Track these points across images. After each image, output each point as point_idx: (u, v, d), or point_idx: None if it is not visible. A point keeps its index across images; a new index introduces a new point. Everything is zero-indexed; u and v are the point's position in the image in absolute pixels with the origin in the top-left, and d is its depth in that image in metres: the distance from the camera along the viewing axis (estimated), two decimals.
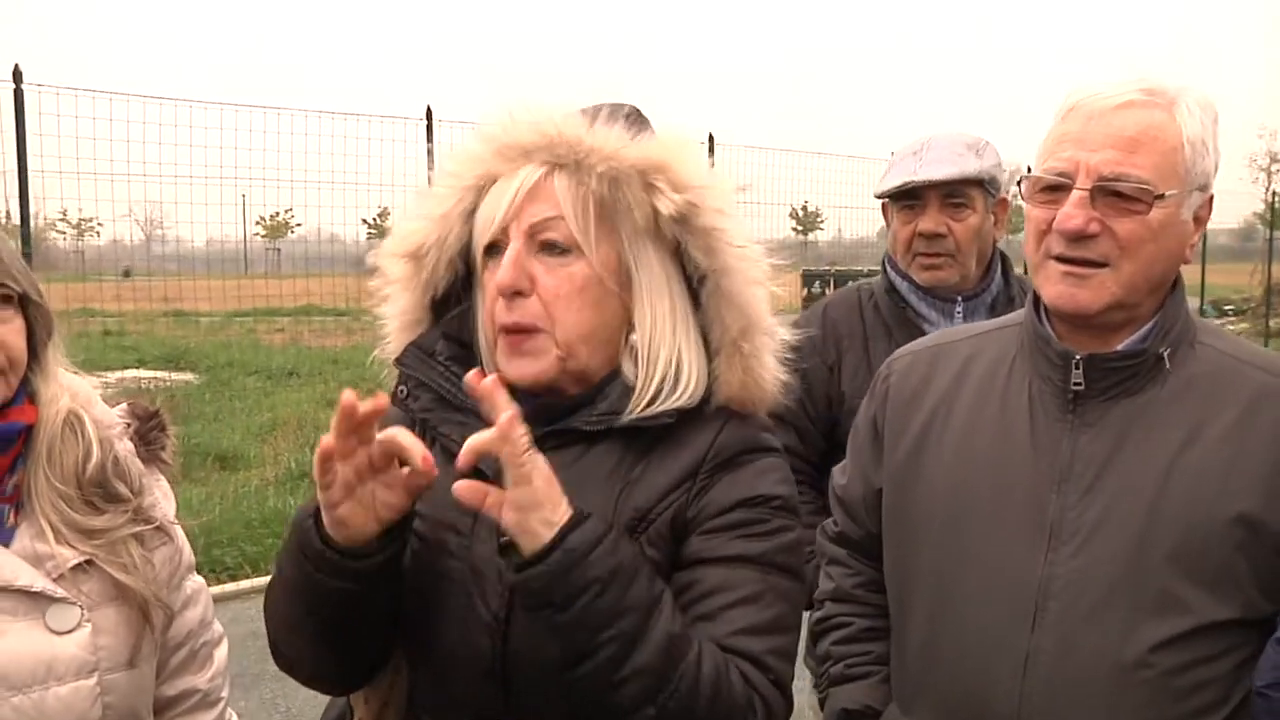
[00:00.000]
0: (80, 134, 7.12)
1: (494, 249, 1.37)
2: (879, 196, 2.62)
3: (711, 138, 11.04)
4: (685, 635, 1.24)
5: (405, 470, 1.23)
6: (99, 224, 11.07)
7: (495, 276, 1.35)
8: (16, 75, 6.72)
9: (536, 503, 1.19)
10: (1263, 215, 27.37)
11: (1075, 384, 1.54)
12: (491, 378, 1.19)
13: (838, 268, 13.23)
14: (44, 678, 1.45)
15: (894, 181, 2.51)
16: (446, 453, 1.35)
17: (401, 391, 1.43)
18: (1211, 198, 1.57)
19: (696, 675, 1.22)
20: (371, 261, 1.48)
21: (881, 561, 1.78)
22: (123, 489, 1.57)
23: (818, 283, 12.30)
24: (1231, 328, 18.61)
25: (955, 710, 1.59)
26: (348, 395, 1.18)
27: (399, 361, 1.44)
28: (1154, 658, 1.46)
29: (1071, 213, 1.47)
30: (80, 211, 9.47)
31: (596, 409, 1.36)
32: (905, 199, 2.52)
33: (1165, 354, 1.53)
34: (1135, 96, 1.49)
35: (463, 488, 1.18)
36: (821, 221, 17.68)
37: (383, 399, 1.20)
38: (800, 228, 19.33)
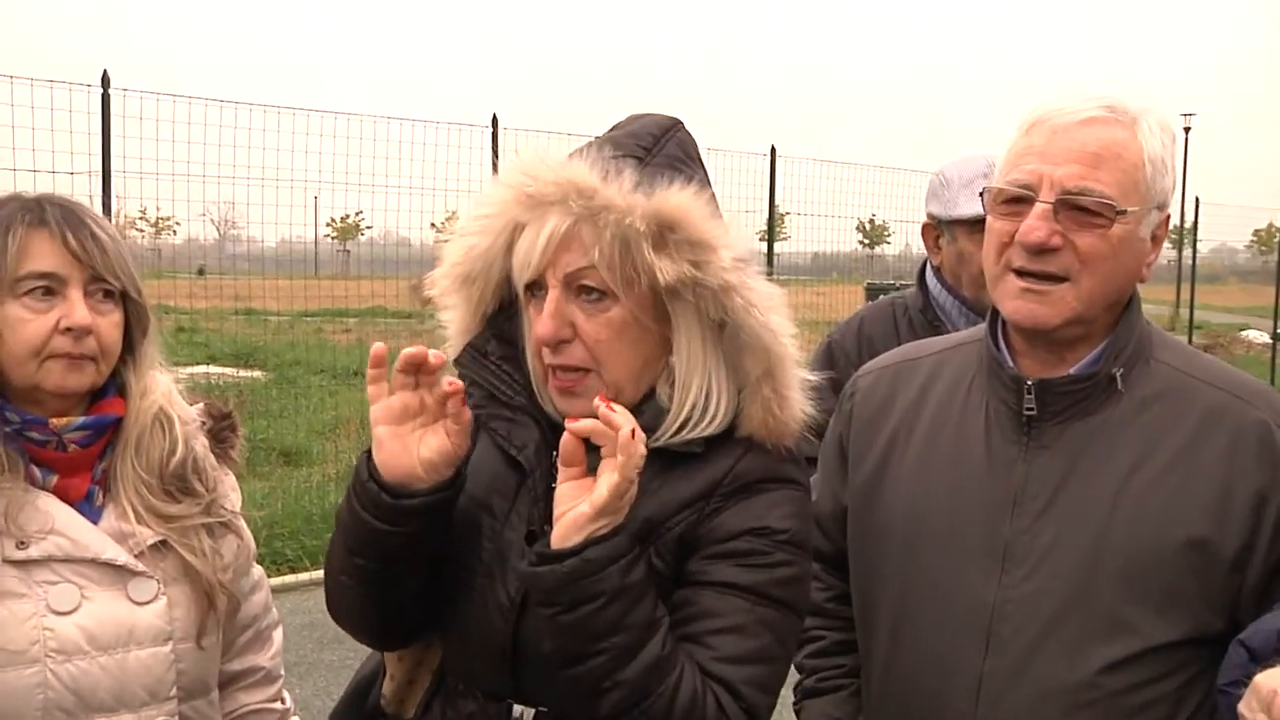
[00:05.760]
0: (160, 136, 7.29)
1: (535, 286, 1.42)
2: (951, 222, 2.54)
3: (774, 150, 11.00)
4: (672, 658, 1.29)
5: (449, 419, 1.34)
6: (176, 223, 11.34)
7: (538, 319, 1.40)
8: (105, 81, 6.95)
9: (603, 511, 1.25)
10: None
11: (1028, 409, 1.54)
12: (599, 404, 1.29)
13: (902, 282, 13.08)
14: (126, 641, 1.59)
15: (975, 209, 2.46)
16: (495, 445, 1.47)
17: None
18: (1168, 217, 1.56)
19: (673, 697, 1.28)
20: (429, 285, 1.55)
21: None
22: (199, 486, 1.69)
23: (881, 297, 12.17)
24: None
25: None
26: (418, 348, 1.33)
27: (457, 362, 1.52)
28: (1102, 679, 1.46)
29: (1035, 225, 1.47)
30: (159, 210, 9.70)
31: None
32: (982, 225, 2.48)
33: (1118, 374, 1.53)
34: (1098, 113, 1.50)
35: (573, 432, 1.28)
36: (889, 235, 17.48)
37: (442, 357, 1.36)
38: (867, 241, 19.15)
